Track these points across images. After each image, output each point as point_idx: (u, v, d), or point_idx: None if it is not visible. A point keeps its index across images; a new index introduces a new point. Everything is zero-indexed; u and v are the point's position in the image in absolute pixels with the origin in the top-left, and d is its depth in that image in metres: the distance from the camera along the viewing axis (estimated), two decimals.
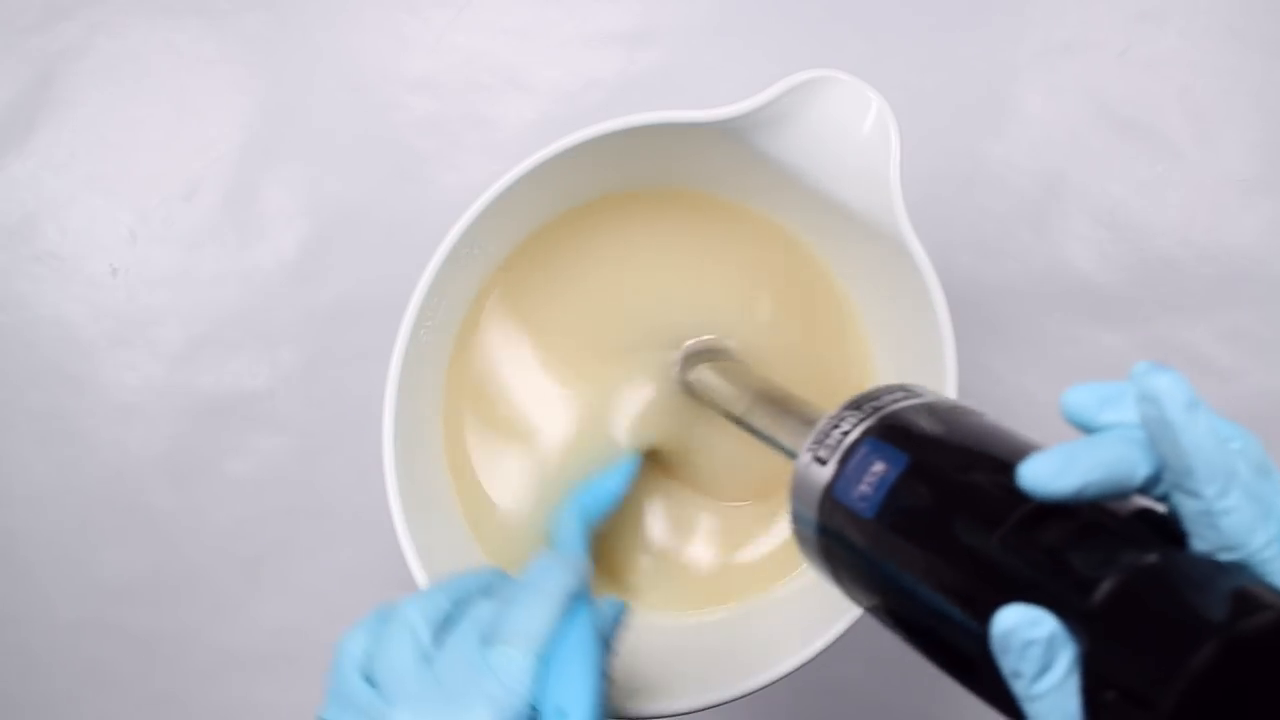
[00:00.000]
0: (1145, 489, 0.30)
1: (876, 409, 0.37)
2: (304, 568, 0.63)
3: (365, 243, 0.64)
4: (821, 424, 0.38)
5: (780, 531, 0.55)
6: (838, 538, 0.36)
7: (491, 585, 0.41)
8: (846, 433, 0.36)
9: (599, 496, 0.51)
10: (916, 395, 0.37)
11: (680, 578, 0.55)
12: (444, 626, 0.38)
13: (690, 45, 0.64)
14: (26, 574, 0.63)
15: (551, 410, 0.55)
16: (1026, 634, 0.27)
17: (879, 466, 0.35)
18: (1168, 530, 0.29)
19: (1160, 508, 0.30)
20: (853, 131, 0.48)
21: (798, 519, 0.38)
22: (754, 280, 0.55)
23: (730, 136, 0.49)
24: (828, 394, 0.55)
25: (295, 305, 0.64)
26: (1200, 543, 0.29)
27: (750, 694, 0.48)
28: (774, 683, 0.48)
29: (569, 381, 0.55)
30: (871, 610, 0.36)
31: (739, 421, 0.47)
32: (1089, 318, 0.61)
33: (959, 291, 0.61)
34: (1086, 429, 0.31)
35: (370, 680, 0.38)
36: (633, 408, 0.54)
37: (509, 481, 0.55)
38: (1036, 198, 0.62)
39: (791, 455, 0.43)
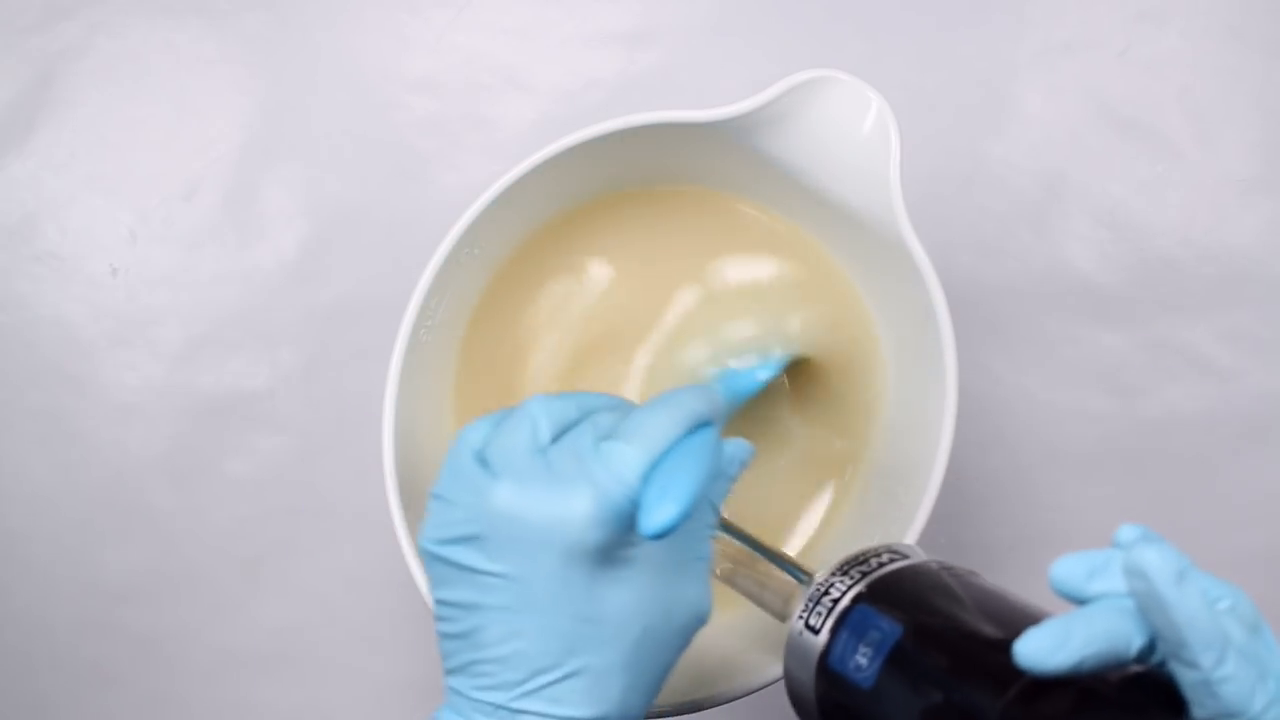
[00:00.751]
0: (1141, 658, 0.30)
1: (865, 574, 0.37)
2: (304, 568, 0.63)
3: (365, 243, 0.64)
4: (810, 590, 0.38)
5: (780, 533, 0.55)
6: (837, 707, 0.36)
7: (620, 406, 0.41)
8: (837, 600, 0.37)
9: (748, 382, 0.51)
10: (904, 557, 0.38)
11: None
12: (565, 427, 0.38)
13: (690, 45, 0.64)
14: (26, 574, 0.63)
15: None
16: None
17: (874, 635, 0.35)
18: (1168, 693, 0.30)
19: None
20: (853, 131, 0.48)
21: (793, 685, 0.38)
22: (754, 279, 0.55)
23: (730, 136, 0.49)
24: (828, 394, 0.55)
25: (295, 305, 0.63)
26: (1201, 710, 0.29)
27: (750, 694, 0.48)
28: (774, 683, 0.48)
29: (572, 382, 0.55)
30: None
31: (726, 581, 0.46)
32: (1089, 318, 0.61)
33: (959, 291, 0.61)
34: (1076, 601, 0.31)
35: (484, 461, 0.38)
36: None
37: None
38: (1036, 198, 0.62)
39: (780, 616, 0.43)
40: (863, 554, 0.39)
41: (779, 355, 0.53)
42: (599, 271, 0.56)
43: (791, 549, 0.55)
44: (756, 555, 0.45)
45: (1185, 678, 0.29)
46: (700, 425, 0.38)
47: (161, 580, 0.63)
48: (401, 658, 0.62)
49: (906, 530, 0.48)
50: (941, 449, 0.48)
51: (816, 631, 0.37)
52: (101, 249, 0.64)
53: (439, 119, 0.64)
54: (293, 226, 0.64)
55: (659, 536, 0.36)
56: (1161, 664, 0.30)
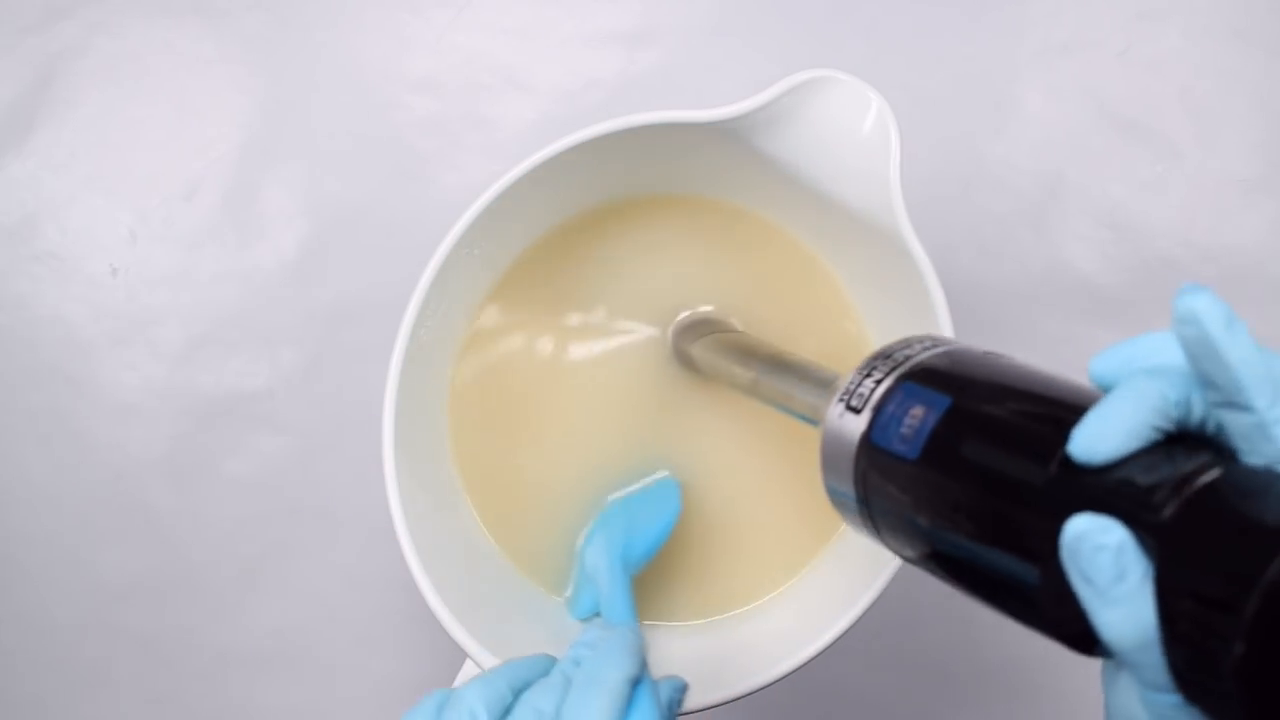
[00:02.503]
0: (1184, 419, 0.30)
1: (908, 357, 0.36)
2: (304, 568, 0.63)
3: (365, 243, 0.64)
4: (850, 376, 0.37)
5: (778, 535, 0.55)
6: (879, 486, 0.35)
7: (554, 675, 0.40)
8: (880, 380, 0.36)
9: (647, 542, 0.50)
10: (946, 343, 0.37)
11: (681, 582, 0.55)
12: (504, 717, 0.38)
13: (690, 45, 0.64)
14: (26, 574, 0.63)
15: (559, 410, 0.55)
16: (1097, 539, 0.27)
17: (918, 409, 0.34)
18: (1214, 446, 0.30)
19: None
20: (853, 131, 0.48)
21: (831, 472, 0.37)
22: (754, 281, 0.55)
23: (730, 136, 0.49)
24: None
25: (295, 305, 0.64)
26: (1255, 457, 0.29)
27: (750, 694, 0.48)
28: (774, 683, 0.48)
29: (575, 382, 0.55)
30: (916, 557, 0.35)
31: (750, 391, 0.46)
32: (1089, 318, 0.61)
33: (959, 291, 0.61)
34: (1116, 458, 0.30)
35: None
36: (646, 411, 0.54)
37: (514, 482, 0.56)
38: (1036, 198, 0.62)
39: (809, 418, 0.42)
40: (903, 342, 0.38)
41: (670, 491, 0.52)
42: (600, 272, 0.56)
43: (791, 555, 0.55)
44: (781, 360, 0.44)
45: (1239, 424, 0.29)
46: (637, 689, 0.38)
47: (161, 580, 0.63)
48: (401, 658, 0.62)
49: None
50: None
51: (858, 411, 0.36)
52: (101, 249, 0.64)
53: (439, 119, 0.64)
54: (293, 226, 0.64)
55: None
56: (1201, 425, 0.30)
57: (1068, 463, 0.29)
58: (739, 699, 0.48)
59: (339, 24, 0.65)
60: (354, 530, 0.62)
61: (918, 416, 0.34)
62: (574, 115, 0.63)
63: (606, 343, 0.55)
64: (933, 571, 0.35)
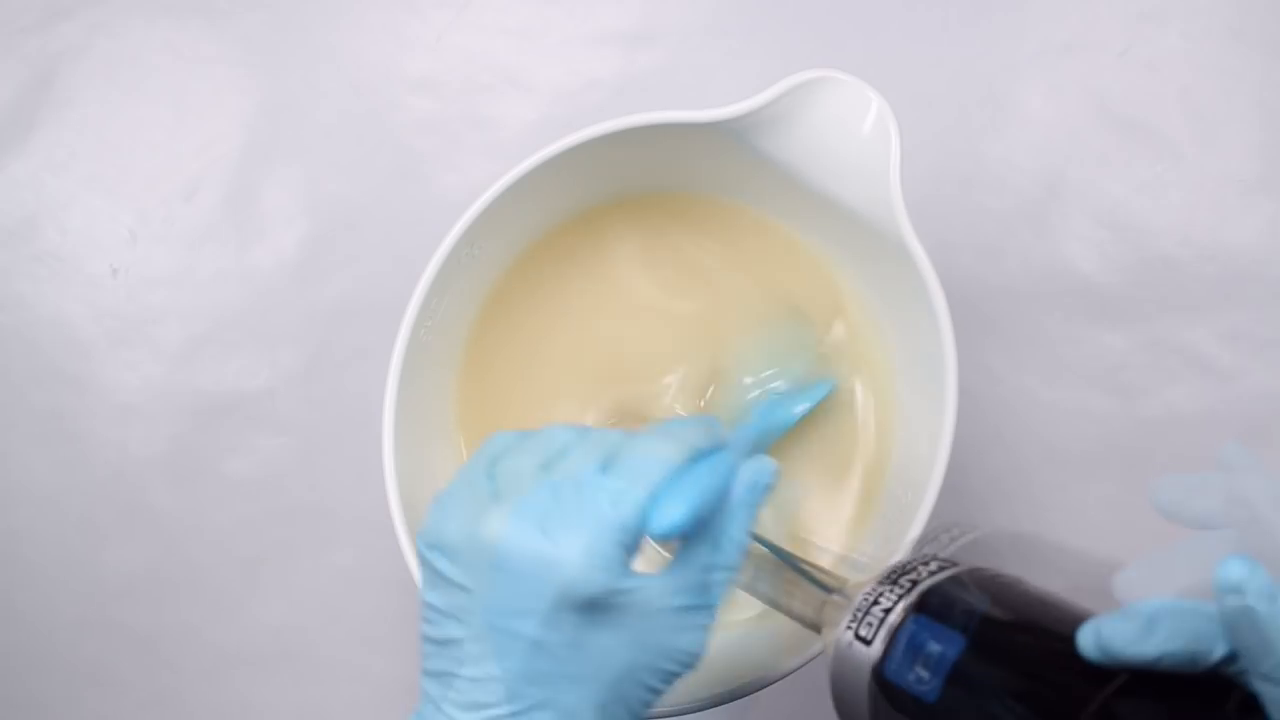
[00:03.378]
0: (1220, 666, 0.30)
1: (914, 583, 0.36)
2: (304, 568, 0.63)
3: (365, 243, 0.64)
4: (858, 600, 0.37)
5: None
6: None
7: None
8: (889, 610, 0.36)
9: (785, 416, 0.51)
10: (951, 565, 0.37)
11: None
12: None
13: (690, 45, 0.64)
14: (26, 574, 0.63)
15: (560, 409, 0.55)
16: None
17: (934, 646, 0.34)
18: (1248, 705, 0.29)
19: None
20: (853, 131, 0.48)
21: (844, 699, 0.37)
22: (754, 280, 0.55)
23: (730, 136, 0.49)
24: (828, 395, 0.55)
25: (295, 305, 0.63)
26: None
27: (750, 694, 0.48)
28: (773, 683, 0.48)
29: (576, 381, 0.55)
30: None
31: (746, 588, 0.45)
32: (1089, 318, 0.61)
33: (959, 291, 0.61)
34: (1179, 521, 0.30)
35: (491, 476, 0.38)
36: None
37: None
38: (1036, 198, 0.62)
39: (812, 627, 0.42)
40: (908, 563, 0.38)
41: (814, 390, 0.53)
42: (601, 272, 0.56)
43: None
44: (781, 562, 0.44)
45: (1272, 696, 0.29)
46: (700, 455, 0.38)
47: (161, 580, 0.63)
48: (401, 658, 0.62)
49: (908, 530, 0.48)
50: (941, 449, 0.48)
51: (868, 642, 0.36)
52: (101, 249, 0.64)
53: (439, 119, 0.64)
54: (293, 226, 0.64)
55: (664, 537, 0.36)
56: (1238, 675, 0.30)
57: (1099, 711, 0.29)
58: (739, 699, 0.48)
59: (339, 24, 0.65)
60: (354, 530, 0.62)
61: (934, 655, 0.34)
62: (574, 115, 0.63)
63: (607, 342, 0.55)
64: None
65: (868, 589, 0.38)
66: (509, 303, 0.55)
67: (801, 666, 0.48)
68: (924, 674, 0.34)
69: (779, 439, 0.53)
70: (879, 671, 0.36)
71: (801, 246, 0.55)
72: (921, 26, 0.63)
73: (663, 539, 0.36)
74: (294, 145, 0.64)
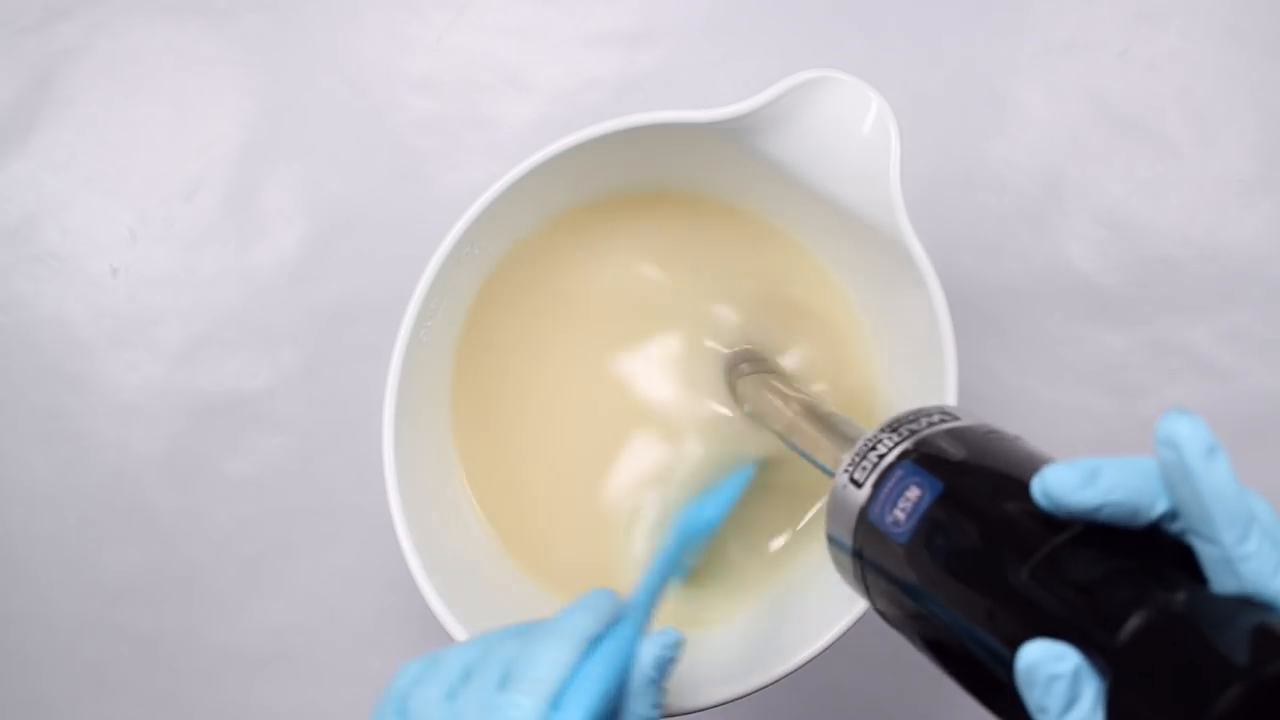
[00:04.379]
0: (1160, 522, 0.30)
1: (914, 431, 0.37)
2: (304, 568, 0.63)
3: (365, 243, 0.64)
4: (858, 445, 0.38)
5: (778, 536, 0.55)
6: (871, 562, 0.36)
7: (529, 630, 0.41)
8: (883, 455, 0.37)
9: (707, 518, 0.50)
10: (954, 418, 0.38)
11: (683, 583, 0.54)
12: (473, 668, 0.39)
13: (690, 45, 0.64)
14: (26, 574, 0.63)
15: (560, 409, 0.55)
16: (1051, 668, 0.27)
17: (913, 492, 0.35)
18: (1189, 562, 0.30)
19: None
20: (853, 131, 0.48)
21: (833, 539, 0.38)
22: (754, 279, 0.55)
23: (730, 136, 0.49)
24: (828, 395, 0.55)
25: (295, 305, 0.64)
26: (1220, 587, 0.29)
27: (750, 694, 0.48)
28: (773, 683, 0.49)
29: (578, 382, 0.55)
30: (903, 632, 0.36)
31: (782, 436, 0.47)
32: (1089, 318, 0.61)
33: (959, 291, 0.61)
34: (1068, 513, 0.31)
35: (404, 713, 0.39)
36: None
37: (515, 481, 0.56)
38: (1036, 198, 0.62)
39: (829, 474, 0.43)
40: (914, 413, 0.38)
41: (733, 479, 0.52)
42: (601, 273, 0.56)
43: (796, 553, 0.55)
44: (813, 410, 0.45)
45: (1206, 554, 0.29)
46: (596, 644, 0.38)
47: (161, 580, 0.63)
48: (401, 658, 0.62)
49: None
50: None
51: (860, 485, 0.37)
52: (101, 249, 0.64)
53: (439, 119, 0.64)
54: (293, 226, 0.64)
55: None
56: (1179, 535, 0.30)
57: (1038, 570, 0.30)
58: (739, 699, 0.48)
59: (339, 24, 0.65)
60: (354, 530, 0.62)
61: (911, 500, 0.35)
62: (574, 115, 0.63)
63: (606, 343, 0.55)
64: (918, 649, 0.35)
65: (869, 435, 0.38)
66: (509, 302, 0.55)
67: (801, 666, 0.48)
68: (900, 516, 0.35)
69: (705, 542, 0.51)
70: (864, 513, 0.36)
71: (801, 246, 0.55)
72: (921, 26, 0.63)
73: None
74: (294, 145, 0.64)
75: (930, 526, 0.34)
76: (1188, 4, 0.62)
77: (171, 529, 0.63)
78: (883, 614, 0.37)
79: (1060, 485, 0.30)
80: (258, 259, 0.64)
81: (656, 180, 0.54)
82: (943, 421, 0.37)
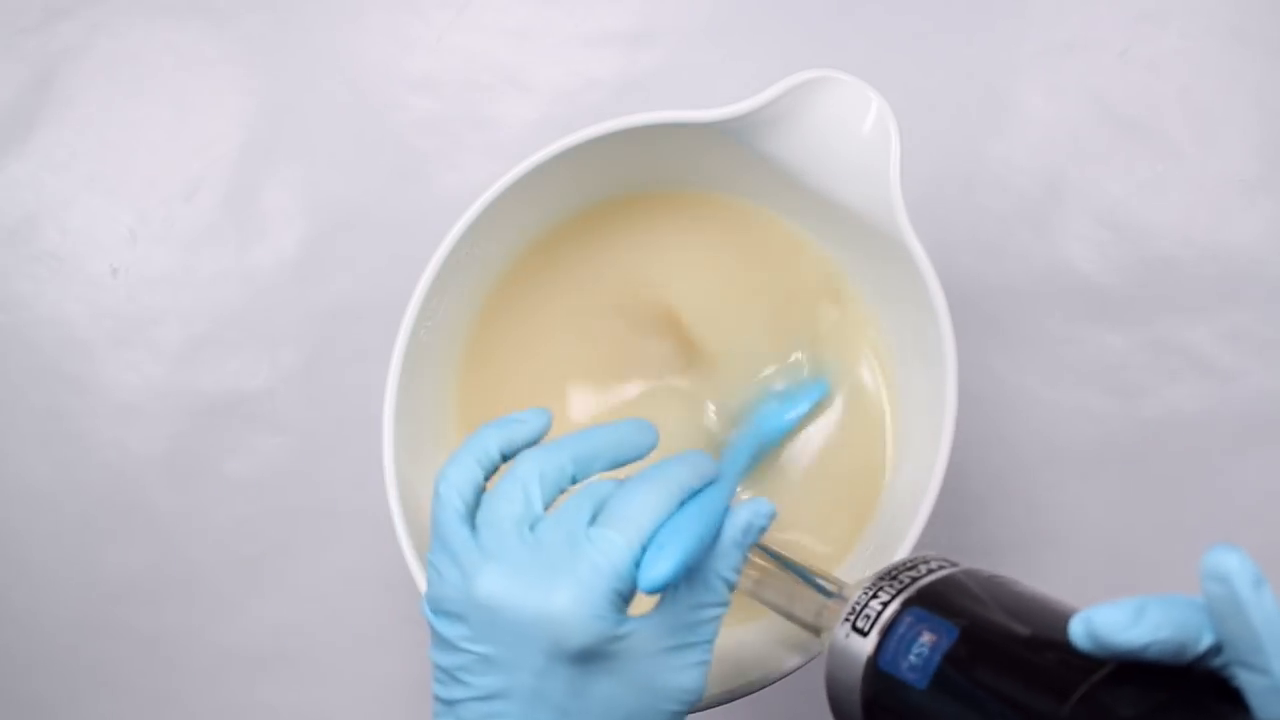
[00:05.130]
0: (1205, 658, 0.30)
1: (914, 579, 0.37)
2: (304, 568, 0.63)
3: (365, 243, 0.64)
4: (856, 595, 0.38)
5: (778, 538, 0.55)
6: (886, 710, 0.36)
7: (617, 448, 0.41)
8: (886, 603, 0.37)
9: (782, 420, 0.51)
10: (951, 565, 0.38)
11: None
12: (560, 488, 0.39)
13: (690, 45, 0.64)
14: (26, 574, 0.63)
15: (560, 409, 0.55)
16: None
17: (927, 637, 0.35)
18: (1231, 695, 0.30)
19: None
20: (853, 131, 0.48)
21: (837, 691, 0.38)
22: (755, 280, 0.55)
23: (731, 136, 0.49)
24: (828, 398, 0.55)
25: (295, 305, 0.63)
26: (1266, 717, 0.29)
27: (750, 694, 0.48)
28: (774, 682, 0.48)
29: (576, 381, 0.55)
30: None
31: (751, 594, 0.46)
32: (1089, 318, 0.61)
33: (959, 291, 0.61)
34: (1114, 655, 0.30)
35: (473, 530, 0.38)
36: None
37: None
38: (1036, 198, 0.62)
39: (812, 630, 0.43)
40: (908, 562, 0.39)
41: (808, 392, 0.53)
42: (601, 273, 0.56)
43: (796, 551, 0.55)
44: (784, 568, 0.44)
45: (1253, 685, 0.29)
46: (694, 493, 0.39)
47: (161, 580, 0.63)
48: (401, 658, 0.62)
49: (908, 530, 0.48)
50: (942, 449, 0.48)
51: (864, 634, 0.37)
52: (101, 249, 0.64)
53: (439, 119, 0.64)
54: (293, 226, 0.64)
55: (655, 591, 0.36)
56: (1222, 669, 0.30)
57: (1080, 707, 0.30)
58: (739, 699, 0.48)
59: (339, 24, 0.65)
60: (354, 530, 0.62)
61: (926, 644, 0.35)
62: (574, 115, 0.63)
63: (606, 342, 0.55)
64: None
65: (867, 584, 0.38)
66: (509, 302, 0.55)
67: (802, 666, 0.48)
68: (915, 662, 0.35)
69: (775, 446, 0.53)
70: (873, 661, 0.36)
71: (802, 246, 0.55)
72: (922, 26, 0.63)
73: (653, 594, 0.37)
74: (294, 145, 0.64)
75: (951, 670, 0.34)
76: (1189, 4, 0.62)
77: (171, 529, 0.63)
78: None
79: (1108, 625, 0.30)
80: (258, 259, 0.64)
81: (656, 179, 0.54)
82: (940, 568, 0.38)
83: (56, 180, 0.65)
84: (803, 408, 0.53)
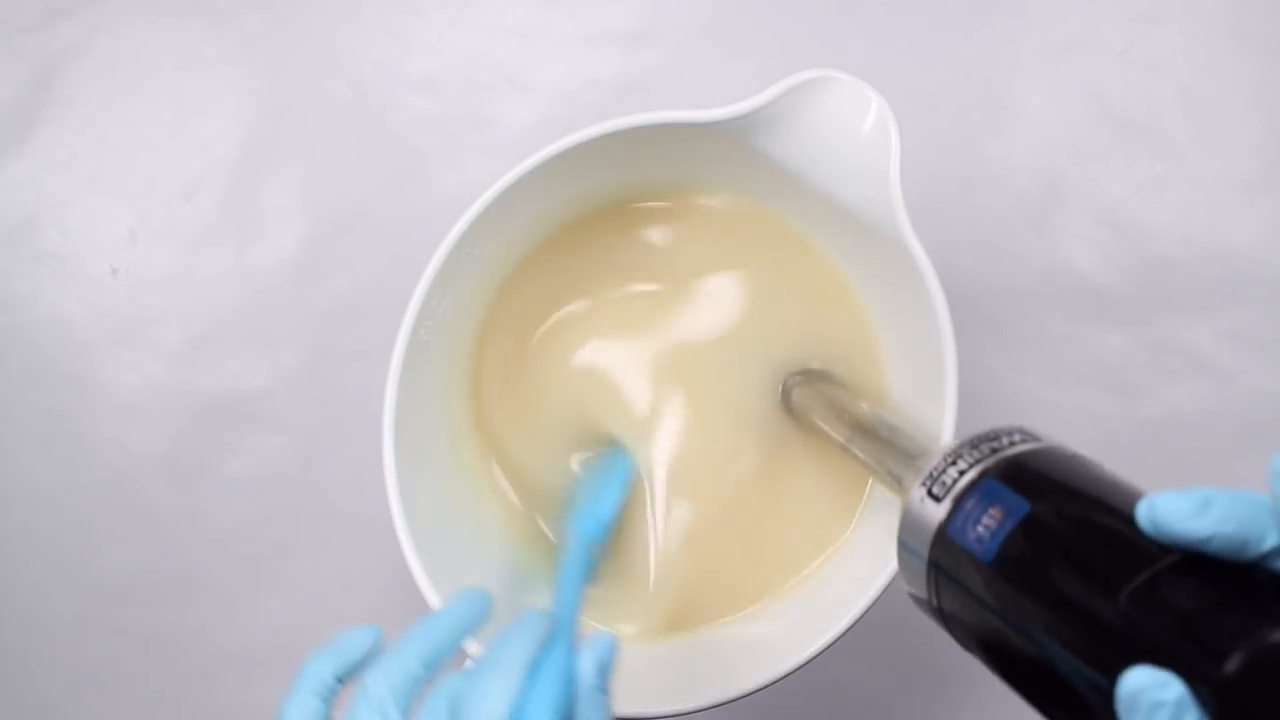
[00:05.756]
0: (1269, 558, 0.30)
1: (995, 449, 0.37)
2: (304, 568, 0.63)
3: (365, 243, 0.64)
4: (936, 460, 0.38)
5: (779, 537, 0.55)
6: (949, 578, 0.36)
7: (459, 628, 0.41)
8: (964, 471, 0.36)
9: (597, 517, 0.50)
10: (1035, 439, 0.37)
11: (685, 583, 0.54)
12: (413, 695, 0.39)
13: (690, 45, 0.64)
14: (26, 574, 0.63)
15: (560, 409, 0.55)
16: (1156, 695, 0.27)
17: (997, 510, 0.34)
18: None
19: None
20: (853, 131, 0.48)
21: (906, 550, 0.38)
22: (754, 279, 0.55)
23: (731, 136, 0.49)
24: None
25: (295, 305, 0.64)
26: None
27: (750, 694, 0.48)
28: (773, 683, 0.49)
29: (578, 382, 0.55)
30: (976, 649, 0.36)
31: (843, 449, 0.46)
32: (1089, 318, 0.61)
33: (959, 291, 0.61)
34: (1180, 545, 0.30)
35: None
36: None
37: (516, 481, 0.56)
38: (1036, 198, 0.62)
39: (895, 486, 0.43)
40: (993, 431, 0.38)
41: (615, 472, 0.52)
42: (602, 273, 0.56)
43: (791, 556, 0.55)
44: (874, 422, 0.45)
45: None
46: (537, 667, 0.38)
47: (161, 580, 0.63)
48: None
49: None
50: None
51: (939, 500, 0.36)
52: (101, 249, 0.64)
53: (439, 119, 0.64)
54: (293, 226, 0.64)
55: None
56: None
57: (1137, 595, 0.29)
58: (740, 699, 0.48)
59: (339, 24, 0.65)
60: (354, 530, 0.62)
61: (995, 518, 0.34)
62: (574, 115, 0.63)
63: (606, 343, 0.55)
64: (990, 667, 0.35)
65: (949, 451, 0.38)
66: (509, 302, 0.55)
67: (803, 666, 0.48)
68: (984, 534, 0.34)
69: (606, 538, 0.52)
70: (943, 528, 0.36)
71: (801, 246, 0.55)
72: (922, 26, 0.63)
73: None
74: (294, 145, 0.64)
75: (1017, 546, 0.33)
76: (1189, 3, 0.62)
77: (171, 529, 0.63)
78: (951, 631, 0.37)
79: (1171, 512, 0.30)
80: (258, 259, 0.64)
81: (656, 179, 0.54)
82: (1024, 441, 0.37)
83: (56, 180, 0.65)
84: (615, 492, 0.52)
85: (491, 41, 0.64)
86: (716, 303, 0.55)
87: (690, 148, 0.51)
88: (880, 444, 0.45)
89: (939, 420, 0.48)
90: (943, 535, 0.36)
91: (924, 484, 0.37)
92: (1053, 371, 0.61)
